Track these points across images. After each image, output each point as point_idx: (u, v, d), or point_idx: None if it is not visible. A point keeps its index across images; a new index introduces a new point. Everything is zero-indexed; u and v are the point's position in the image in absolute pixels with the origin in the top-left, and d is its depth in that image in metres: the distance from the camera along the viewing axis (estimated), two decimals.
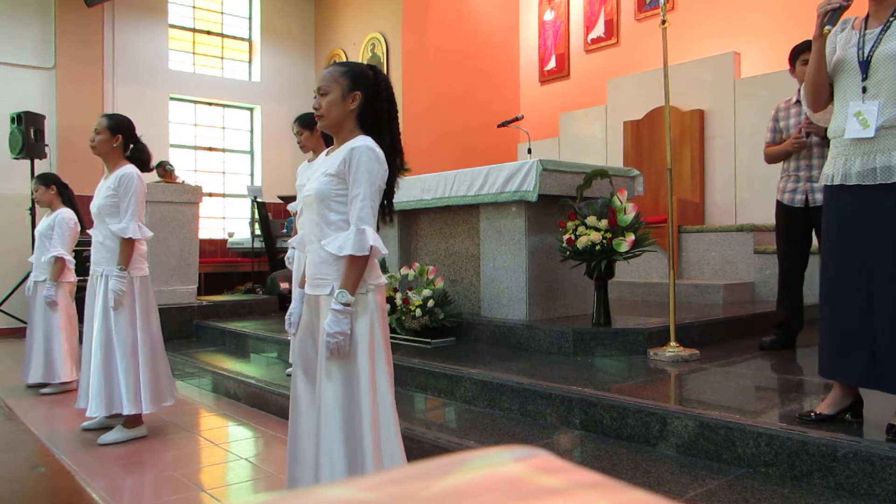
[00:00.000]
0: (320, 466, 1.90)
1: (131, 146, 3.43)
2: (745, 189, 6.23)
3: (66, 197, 4.66)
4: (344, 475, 1.86)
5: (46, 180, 4.65)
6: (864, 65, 2.22)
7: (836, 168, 2.29)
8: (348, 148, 1.96)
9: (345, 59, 9.24)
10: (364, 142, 1.96)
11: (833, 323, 2.31)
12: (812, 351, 3.77)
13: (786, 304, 3.83)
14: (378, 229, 2.00)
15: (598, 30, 8.38)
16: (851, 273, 2.24)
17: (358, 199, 1.92)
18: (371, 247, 1.91)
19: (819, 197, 3.60)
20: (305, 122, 4.02)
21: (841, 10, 2.26)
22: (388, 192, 2.07)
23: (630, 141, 7.09)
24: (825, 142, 3.62)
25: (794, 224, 3.73)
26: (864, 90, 2.22)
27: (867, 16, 2.31)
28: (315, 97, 2.03)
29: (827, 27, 2.27)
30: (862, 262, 2.22)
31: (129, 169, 3.33)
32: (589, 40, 8.50)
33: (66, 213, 4.53)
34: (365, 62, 8.82)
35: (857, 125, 2.20)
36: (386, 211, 2.09)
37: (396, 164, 2.07)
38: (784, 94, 3.98)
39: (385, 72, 2.16)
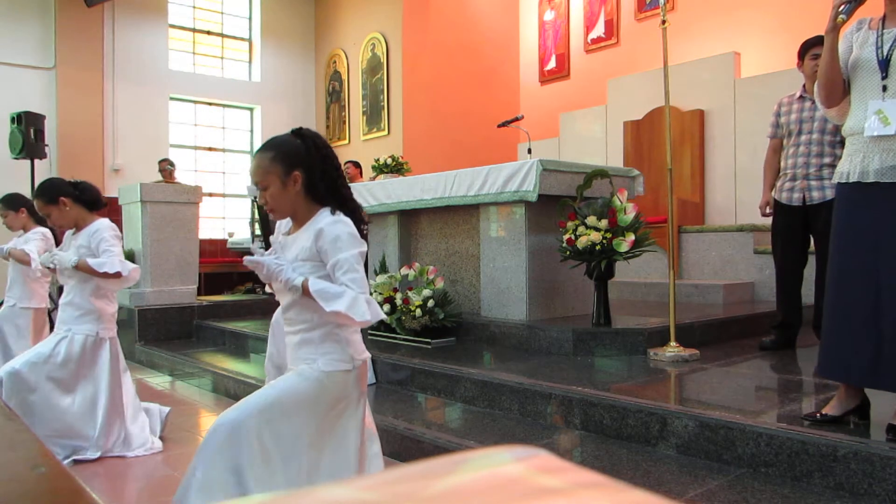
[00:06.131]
0: None
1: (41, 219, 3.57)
2: (744, 189, 6.22)
3: (39, 218, 3.80)
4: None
5: (14, 203, 3.92)
6: (884, 63, 2.23)
7: (852, 165, 2.28)
8: (315, 228, 1.81)
9: (345, 60, 9.24)
10: (327, 218, 1.82)
11: (838, 322, 2.30)
12: (812, 351, 3.77)
13: (785, 305, 3.83)
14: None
15: (598, 30, 8.38)
16: (860, 272, 2.23)
17: (342, 264, 1.76)
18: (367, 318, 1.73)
19: (816, 195, 3.60)
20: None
21: (857, 2, 2.25)
22: None
23: (630, 141, 7.08)
24: (823, 139, 3.62)
25: (792, 223, 3.73)
26: (885, 88, 2.22)
27: (884, 16, 2.31)
28: (259, 192, 1.87)
29: (841, 16, 2.25)
30: (872, 261, 2.21)
31: (38, 230, 3.82)
32: (589, 40, 8.50)
33: (42, 229, 3.94)
34: (364, 62, 8.84)
35: (878, 123, 2.20)
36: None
37: (362, 229, 1.89)
38: (784, 93, 3.98)
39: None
